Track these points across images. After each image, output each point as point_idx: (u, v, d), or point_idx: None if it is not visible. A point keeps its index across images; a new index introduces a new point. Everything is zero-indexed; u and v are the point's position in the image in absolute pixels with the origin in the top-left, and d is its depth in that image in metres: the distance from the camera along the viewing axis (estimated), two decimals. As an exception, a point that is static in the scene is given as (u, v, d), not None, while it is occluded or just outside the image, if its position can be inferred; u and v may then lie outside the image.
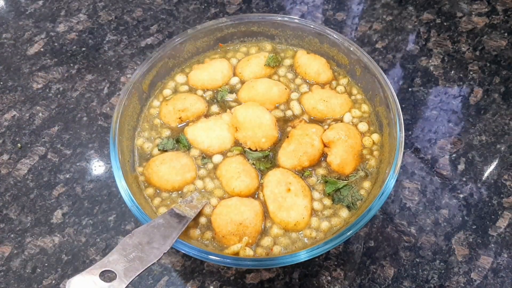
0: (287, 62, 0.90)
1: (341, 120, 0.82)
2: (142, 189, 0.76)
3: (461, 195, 0.86)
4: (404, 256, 0.80)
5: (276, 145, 0.80)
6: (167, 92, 0.86)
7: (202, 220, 0.73)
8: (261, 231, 0.72)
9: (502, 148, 0.92)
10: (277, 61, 0.88)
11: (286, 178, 0.74)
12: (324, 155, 0.78)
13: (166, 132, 0.82)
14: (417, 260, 0.80)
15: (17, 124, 0.97)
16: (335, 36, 0.85)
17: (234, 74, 0.89)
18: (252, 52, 0.91)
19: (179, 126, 0.82)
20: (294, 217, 0.71)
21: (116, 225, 0.84)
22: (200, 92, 0.86)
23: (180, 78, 0.88)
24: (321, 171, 0.76)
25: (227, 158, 0.78)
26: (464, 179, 0.88)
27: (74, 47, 1.09)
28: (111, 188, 0.88)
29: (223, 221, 0.70)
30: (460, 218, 0.84)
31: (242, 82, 0.87)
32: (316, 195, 0.74)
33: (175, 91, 0.87)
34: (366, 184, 0.76)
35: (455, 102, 0.98)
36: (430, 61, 1.05)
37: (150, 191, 0.76)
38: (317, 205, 0.73)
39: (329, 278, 0.78)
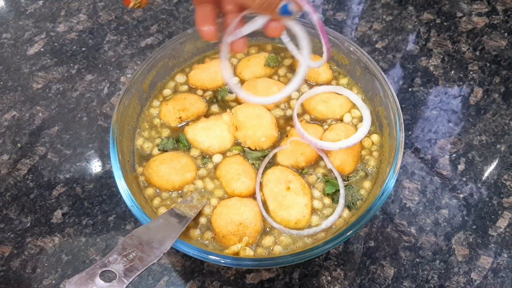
0: (287, 62, 0.90)
1: (341, 120, 0.82)
2: (142, 189, 0.76)
3: (461, 195, 0.86)
4: (404, 256, 0.80)
5: (275, 145, 0.80)
6: (167, 92, 0.86)
7: (202, 220, 0.73)
8: (261, 231, 0.72)
9: (502, 148, 0.92)
10: (277, 61, 0.88)
11: (286, 177, 0.74)
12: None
13: (166, 132, 0.82)
14: (417, 260, 0.80)
15: (17, 124, 0.97)
16: (335, 36, 0.85)
17: (234, 74, 0.89)
18: (252, 52, 0.91)
19: (179, 125, 0.82)
20: (295, 215, 0.71)
21: (116, 225, 0.84)
22: (200, 92, 0.86)
23: (180, 78, 0.88)
24: (321, 170, 0.77)
25: (226, 158, 0.78)
26: (464, 179, 0.88)
27: (74, 47, 1.09)
28: (111, 188, 0.88)
29: (223, 221, 0.70)
30: (460, 218, 0.84)
31: (242, 82, 0.87)
32: (316, 193, 0.74)
33: (175, 91, 0.87)
34: (366, 184, 0.76)
35: (455, 102, 0.98)
36: (430, 61, 1.05)
37: (150, 191, 0.76)
38: (317, 204, 0.73)
39: (329, 278, 0.78)
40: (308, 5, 0.62)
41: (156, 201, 0.75)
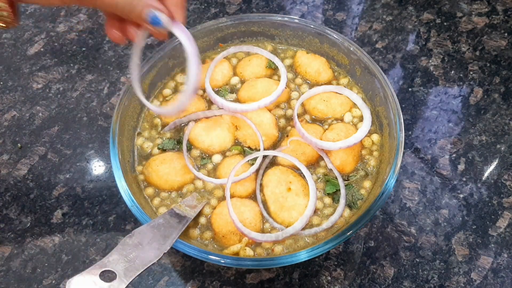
0: (287, 62, 0.90)
1: (341, 119, 0.82)
2: (142, 189, 0.76)
3: (461, 195, 0.86)
4: (404, 256, 0.80)
5: (276, 145, 0.80)
6: (167, 92, 0.86)
7: (202, 220, 0.73)
8: (261, 230, 0.72)
9: (502, 148, 0.92)
10: None
11: (286, 177, 0.74)
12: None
13: (168, 133, 0.82)
14: (417, 260, 0.80)
15: (17, 124, 0.97)
16: (335, 36, 0.85)
17: (235, 74, 0.88)
18: (253, 52, 0.91)
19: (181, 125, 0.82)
20: (296, 217, 0.71)
21: (116, 225, 0.84)
22: (200, 92, 0.86)
23: (180, 78, 0.88)
24: (321, 170, 0.77)
25: (226, 158, 0.77)
26: (464, 179, 0.88)
27: (74, 47, 1.09)
28: (111, 188, 0.88)
29: (223, 220, 0.70)
30: (460, 218, 0.84)
31: (243, 82, 0.87)
32: (317, 193, 0.74)
33: (176, 91, 0.87)
34: (367, 184, 0.76)
35: (455, 102, 0.98)
36: (430, 61, 1.05)
37: (150, 191, 0.76)
38: (318, 204, 0.73)
39: (329, 278, 0.78)
40: (176, 27, 0.61)
41: (156, 201, 0.75)
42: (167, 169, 0.74)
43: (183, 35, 0.62)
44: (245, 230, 0.68)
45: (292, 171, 0.75)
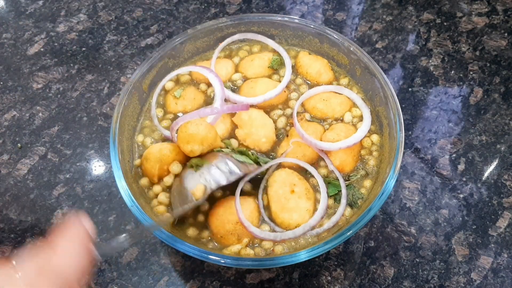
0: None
1: (341, 119, 0.82)
2: (142, 189, 0.76)
3: (461, 195, 0.86)
4: (404, 256, 0.80)
5: (274, 149, 0.80)
6: (168, 85, 0.86)
7: (200, 218, 0.73)
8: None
9: (502, 148, 0.92)
10: (281, 64, 0.88)
11: (291, 179, 0.73)
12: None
13: (167, 123, 0.81)
14: (417, 260, 0.80)
15: (17, 124, 0.97)
16: (335, 36, 0.85)
17: (236, 71, 0.88)
18: (254, 51, 0.91)
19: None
20: (296, 219, 0.70)
21: (116, 225, 0.84)
22: (204, 87, 0.86)
23: (182, 70, 0.88)
24: (322, 170, 0.77)
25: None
26: (464, 179, 0.88)
27: (74, 47, 1.09)
28: (111, 188, 0.88)
29: (220, 221, 0.70)
30: (460, 218, 0.84)
31: (244, 78, 0.87)
32: (319, 195, 0.74)
33: (177, 81, 0.87)
34: (367, 183, 0.76)
35: (455, 102, 0.98)
36: (430, 61, 1.05)
37: (144, 181, 0.75)
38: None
39: (329, 278, 0.78)
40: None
41: (155, 201, 0.74)
42: (159, 153, 0.73)
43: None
44: (246, 222, 0.68)
45: (297, 174, 0.75)
